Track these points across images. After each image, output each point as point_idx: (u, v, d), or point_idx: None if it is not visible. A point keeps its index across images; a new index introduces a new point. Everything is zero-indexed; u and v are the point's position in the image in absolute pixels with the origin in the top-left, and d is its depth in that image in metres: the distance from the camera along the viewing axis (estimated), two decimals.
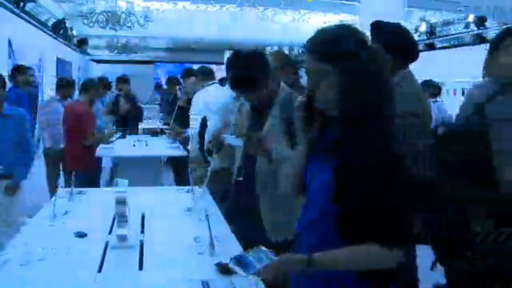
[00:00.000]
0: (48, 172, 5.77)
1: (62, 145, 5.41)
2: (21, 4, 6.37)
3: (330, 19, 8.90)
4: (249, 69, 2.48)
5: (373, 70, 1.44)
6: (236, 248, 2.15)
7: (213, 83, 4.67)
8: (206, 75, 4.83)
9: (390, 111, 1.46)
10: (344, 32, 1.47)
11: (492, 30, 8.06)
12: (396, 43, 2.35)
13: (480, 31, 8.38)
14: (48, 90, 7.82)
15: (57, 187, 4.27)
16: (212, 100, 3.96)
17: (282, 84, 2.61)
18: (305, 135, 1.58)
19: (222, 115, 3.67)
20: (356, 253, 1.40)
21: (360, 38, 1.46)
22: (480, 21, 8.25)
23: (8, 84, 5.61)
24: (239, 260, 1.49)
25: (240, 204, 2.63)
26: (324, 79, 1.44)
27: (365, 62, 1.42)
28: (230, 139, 2.52)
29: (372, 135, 1.39)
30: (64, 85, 5.85)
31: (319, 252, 1.42)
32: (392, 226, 1.38)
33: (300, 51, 11.51)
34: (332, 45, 1.44)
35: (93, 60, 15.12)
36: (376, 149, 1.38)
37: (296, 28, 9.67)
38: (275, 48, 12.23)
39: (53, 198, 2.78)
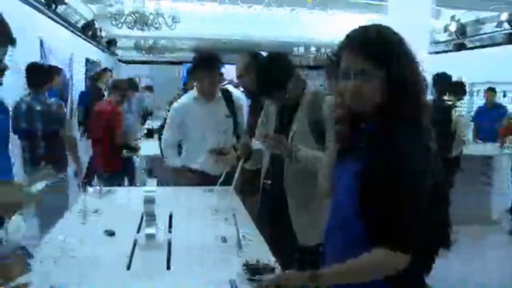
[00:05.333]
0: None
1: None
2: (53, 6, 6.50)
3: (358, 19, 8.82)
4: (266, 72, 2.48)
5: (421, 76, 1.43)
6: (263, 248, 2.14)
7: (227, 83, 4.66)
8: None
9: (426, 121, 1.44)
10: (393, 33, 1.45)
11: None
12: None
13: None
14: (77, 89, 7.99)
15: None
16: None
17: (309, 85, 2.60)
18: (339, 135, 1.56)
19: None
20: (358, 265, 1.39)
21: (405, 41, 1.44)
22: None
23: None
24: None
25: (268, 207, 2.63)
26: (369, 81, 1.40)
27: (415, 67, 1.41)
28: (257, 145, 2.52)
29: (409, 142, 1.37)
30: None
31: (322, 268, 1.43)
32: (405, 231, 1.36)
33: (326, 52, 11.43)
34: (387, 47, 1.40)
35: (121, 61, 15.33)
36: (410, 156, 1.37)
37: (323, 28, 9.62)
38: (302, 49, 12.21)
39: (83, 197, 2.82)
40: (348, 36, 1.46)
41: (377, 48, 1.40)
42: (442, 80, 5.24)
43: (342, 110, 1.49)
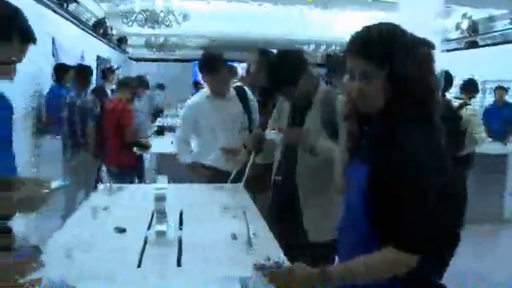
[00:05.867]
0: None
1: None
2: (64, 4, 6.54)
3: (368, 17, 8.78)
4: (277, 67, 2.49)
5: (428, 73, 1.41)
6: (274, 245, 2.14)
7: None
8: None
9: (436, 118, 1.43)
10: (396, 32, 1.43)
11: None
12: None
13: None
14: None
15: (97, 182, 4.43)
16: None
17: (322, 83, 2.60)
18: (349, 134, 1.56)
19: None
20: (368, 263, 1.39)
21: (410, 39, 1.43)
22: None
23: (50, 81, 5.80)
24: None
25: (279, 203, 2.63)
26: (372, 82, 1.41)
27: (420, 64, 1.39)
28: (271, 135, 2.53)
29: (412, 140, 1.36)
30: None
31: (332, 266, 1.43)
32: (411, 230, 1.35)
33: (336, 49, 11.39)
34: (388, 47, 1.39)
35: (131, 59, 15.38)
36: (412, 154, 1.36)
37: (333, 26, 9.59)
38: (312, 46, 12.18)
39: (94, 193, 2.84)
40: (351, 37, 1.46)
41: (378, 49, 1.39)
42: (445, 79, 5.20)
43: (349, 108, 1.49)
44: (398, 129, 1.38)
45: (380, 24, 1.46)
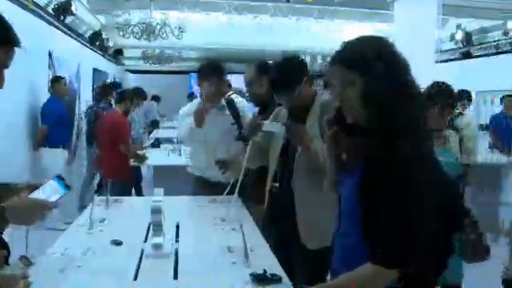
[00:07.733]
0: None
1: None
2: (61, 17, 6.56)
3: (365, 28, 8.85)
4: (274, 75, 2.52)
5: (402, 80, 1.40)
6: (270, 257, 2.14)
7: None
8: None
9: (421, 123, 1.43)
10: (375, 43, 1.45)
11: None
12: None
13: None
14: (85, 98, 8.05)
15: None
16: None
17: (319, 91, 2.61)
18: (333, 152, 1.58)
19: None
20: (350, 279, 1.39)
21: (390, 49, 1.44)
22: None
23: (47, 94, 5.82)
24: None
25: (275, 211, 2.62)
26: (350, 87, 1.41)
27: (392, 71, 1.38)
28: (270, 126, 2.52)
29: (404, 149, 1.33)
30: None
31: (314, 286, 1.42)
32: (388, 246, 1.34)
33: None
34: (361, 53, 1.41)
35: (128, 70, 15.42)
36: (404, 164, 1.34)
37: (329, 37, 9.65)
38: (308, 58, 12.25)
39: (90, 206, 2.83)
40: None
41: (353, 55, 1.41)
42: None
43: (335, 115, 1.51)
44: (385, 142, 1.35)
45: (365, 36, 1.49)
